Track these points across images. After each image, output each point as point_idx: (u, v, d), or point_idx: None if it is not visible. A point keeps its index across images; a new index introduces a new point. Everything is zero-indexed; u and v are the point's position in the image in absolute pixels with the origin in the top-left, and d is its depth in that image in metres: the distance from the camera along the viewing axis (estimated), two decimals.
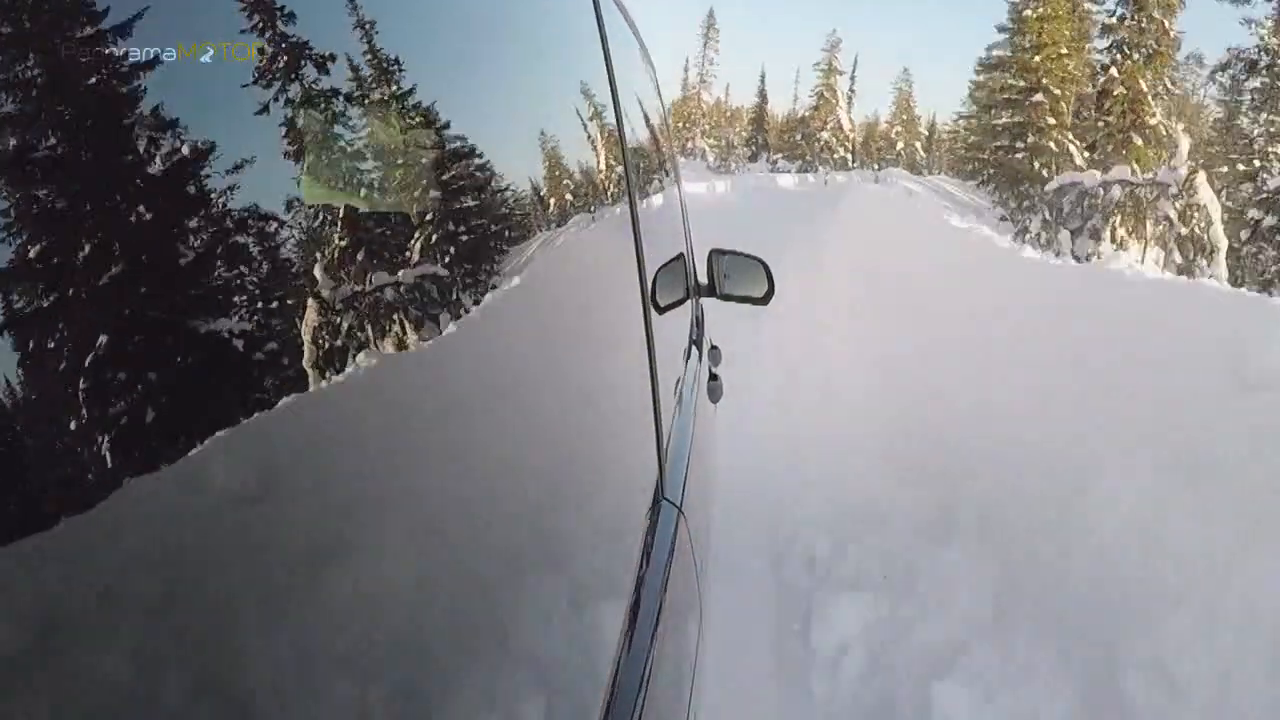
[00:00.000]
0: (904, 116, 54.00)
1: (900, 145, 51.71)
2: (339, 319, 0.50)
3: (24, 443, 0.33)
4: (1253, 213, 16.14)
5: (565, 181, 1.03)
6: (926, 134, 55.36)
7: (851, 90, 48.87)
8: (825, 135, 45.51)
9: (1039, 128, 23.27)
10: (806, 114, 47.24)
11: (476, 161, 0.76)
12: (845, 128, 44.98)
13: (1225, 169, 19.94)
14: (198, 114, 0.41)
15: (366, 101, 0.58)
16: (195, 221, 0.41)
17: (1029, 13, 23.54)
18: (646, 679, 0.85)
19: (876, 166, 47.28)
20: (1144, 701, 1.84)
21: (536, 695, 0.70)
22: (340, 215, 0.52)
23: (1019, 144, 23.61)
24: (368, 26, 0.56)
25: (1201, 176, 12.22)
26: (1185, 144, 12.49)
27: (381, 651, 0.50)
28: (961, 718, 1.98)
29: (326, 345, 0.48)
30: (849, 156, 46.50)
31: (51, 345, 0.34)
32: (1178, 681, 1.82)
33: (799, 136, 47.04)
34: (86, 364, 0.34)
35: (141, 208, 0.38)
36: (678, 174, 2.80)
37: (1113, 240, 12.66)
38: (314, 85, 0.50)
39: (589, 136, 1.19)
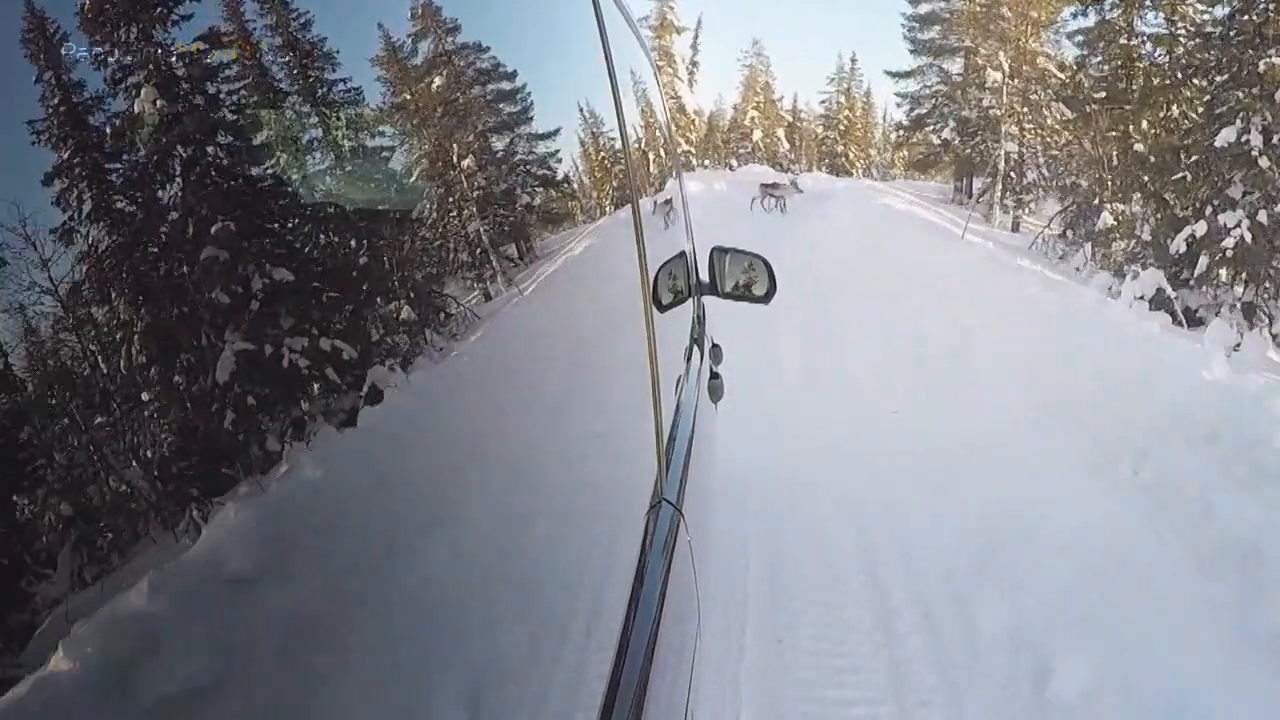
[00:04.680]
0: (758, 99, 41.80)
1: (758, 135, 39.49)
2: (337, 318, 0.50)
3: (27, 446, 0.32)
4: None
5: (567, 180, 1.05)
6: (790, 120, 43.61)
7: (694, 61, 35.90)
8: None
9: None
10: None
11: (477, 161, 0.78)
12: (689, 109, 31.78)
13: None
14: (195, 115, 0.41)
15: (364, 102, 0.58)
16: (200, 224, 0.42)
17: None
18: (644, 678, 0.87)
19: (731, 165, 34.30)
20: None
21: (536, 693, 0.71)
22: (340, 216, 0.53)
23: None
24: (366, 26, 0.56)
25: None
26: None
27: (380, 650, 0.50)
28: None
29: (325, 345, 0.48)
30: (691, 150, 33.40)
31: (62, 350, 0.34)
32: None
33: None
34: (107, 370, 0.34)
35: (153, 211, 0.38)
36: (679, 171, 2.85)
37: None
38: (311, 85, 0.50)
39: (591, 134, 1.20)
